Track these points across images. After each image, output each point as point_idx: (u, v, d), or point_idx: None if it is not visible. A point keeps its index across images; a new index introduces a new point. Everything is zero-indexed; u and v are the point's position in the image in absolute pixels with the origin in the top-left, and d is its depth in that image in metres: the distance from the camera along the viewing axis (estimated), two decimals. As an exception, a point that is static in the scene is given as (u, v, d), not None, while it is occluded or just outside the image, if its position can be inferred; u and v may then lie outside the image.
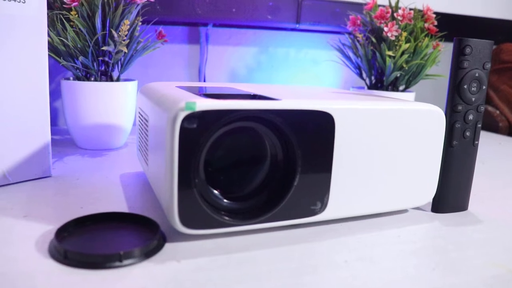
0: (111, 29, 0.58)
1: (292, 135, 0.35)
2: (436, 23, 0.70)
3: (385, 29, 0.66)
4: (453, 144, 0.43)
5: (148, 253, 0.32)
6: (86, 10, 0.56)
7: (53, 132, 0.76)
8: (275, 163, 0.37)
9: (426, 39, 0.68)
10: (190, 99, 0.33)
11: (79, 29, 0.56)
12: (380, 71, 0.72)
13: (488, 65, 0.42)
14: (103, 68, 0.63)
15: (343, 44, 0.75)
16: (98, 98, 0.60)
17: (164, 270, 0.30)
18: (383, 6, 0.72)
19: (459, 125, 0.42)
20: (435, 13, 0.70)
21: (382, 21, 0.67)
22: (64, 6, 0.54)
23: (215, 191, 0.36)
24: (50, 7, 0.57)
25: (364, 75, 0.76)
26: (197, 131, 0.32)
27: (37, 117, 0.47)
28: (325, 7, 0.81)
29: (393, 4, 0.71)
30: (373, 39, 0.70)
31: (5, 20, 0.42)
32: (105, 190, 0.46)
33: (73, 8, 0.55)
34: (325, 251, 0.34)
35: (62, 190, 0.46)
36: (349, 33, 0.74)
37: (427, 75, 0.73)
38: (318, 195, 0.37)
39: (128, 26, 0.58)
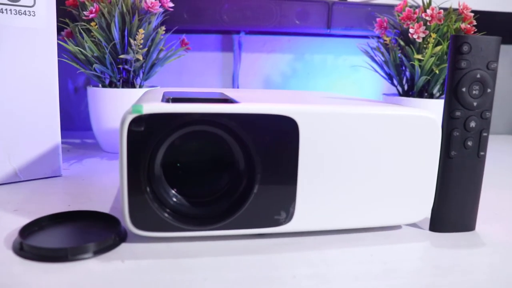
0: (129, 38, 0.62)
1: (249, 140, 0.34)
2: (474, 22, 0.63)
3: (411, 30, 0.61)
4: (451, 155, 0.37)
5: (98, 251, 0.33)
6: (105, 20, 0.60)
7: (85, 136, 0.82)
8: (237, 170, 0.36)
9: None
10: (145, 102, 0.33)
11: (98, 38, 0.60)
12: (411, 76, 0.67)
13: (494, 65, 0.37)
14: (126, 76, 0.67)
15: (373, 49, 0.71)
16: (118, 104, 0.64)
17: (104, 268, 0.31)
18: (416, 6, 0.66)
19: (457, 133, 0.37)
20: (473, 11, 0.63)
21: (409, 23, 0.62)
22: (84, 18, 0.59)
23: (178, 196, 0.35)
24: (75, 19, 0.62)
25: (395, 81, 0.70)
26: (145, 133, 0.32)
27: (47, 120, 0.51)
28: (357, 10, 0.77)
29: (426, 4, 0.65)
30: (401, 42, 0.65)
31: (17, 32, 0.47)
32: (101, 191, 0.48)
33: (94, 20, 0.59)
34: (277, 264, 0.32)
35: (62, 189, 0.49)
36: (378, 37, 0.70)
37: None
38: (282, 205, 0.35)
39: (143, 35, 0.61)
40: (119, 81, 0.66)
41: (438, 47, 0.62)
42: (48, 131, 0.51)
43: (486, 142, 0.38)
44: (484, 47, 0.36)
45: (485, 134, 0.38)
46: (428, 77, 0.63)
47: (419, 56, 0.62)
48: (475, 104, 0.37)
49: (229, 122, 0.33)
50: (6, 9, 0.45)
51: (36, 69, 0.49)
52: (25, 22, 0.47)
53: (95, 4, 0.59)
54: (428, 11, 0.61)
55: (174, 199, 0.35)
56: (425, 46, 0.62)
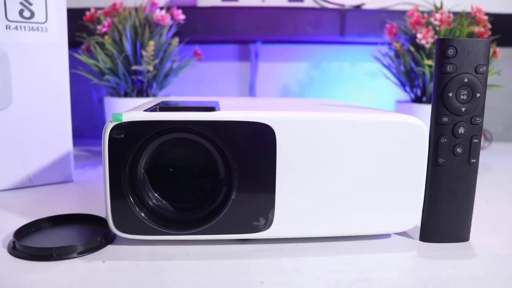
0: (142, 50, 0.65)
1: (225, 147, 0.34)
2: (489, 26, 0.60)
3: (419, 35, 0.59)
4: (439, 162, 0.36)
5: (83, 251, 0.34)
6: (118, 34, 0.63)
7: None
8: (218, 177, 0.36)
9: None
10: (127, 111, 0.35)
11: (111, 51, 0.63)
12: (423, 82, 0.65)
13: (483, 69, 0.35)
14: (140, 86, 0.70)
15: (384, 55, 0.70)
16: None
17: (84, 268, 0.32)
18: (428, 12, 0.65)
19: (445, 140, 0.36)
20: (487, 14, 0.61)
21: (418, 28, 0.60)
22: (97, 33, 0.62)
23: (162, 200, 0.37)
24: (92, 33, 0.66)
25: (408, 87, 0.68)
26: (125, 140, 0.34)
27: (60, 129, 0.54)
28: (371, 17, 0.76)
29: (437, 8, 0.64)
30: (412, 48, 0.63)
31: (31, 46, 0.50)
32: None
33: (107, 33, 0.63)
34: (249, 270, 0.32)
35: (71, 193, 0.52)
36: (390, 44, 0.68)
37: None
38: (261, 212, 0.36)
39: (153, 47, 0.63)
40: (133, 91, 0.69)
41: (450, 52, 0.60)
42: (60, 138, 0.54)
43: (478, 149, 0.36)
44: (472, 50, 0.35)
45: (475, 140, 0.36)
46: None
47: (429, 62, 0.60)
48: (463, 109, 0.36)
49: (205, 130, 0.34)
50: (21, 26, 0.49)
51: (49, 81, 0.52)
52: (38, 37, 0.51)
53: (108, 19, 0.62)
54: (437, 16, 0.59)
55: (157, 203, 0.36)
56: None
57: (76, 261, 0.33)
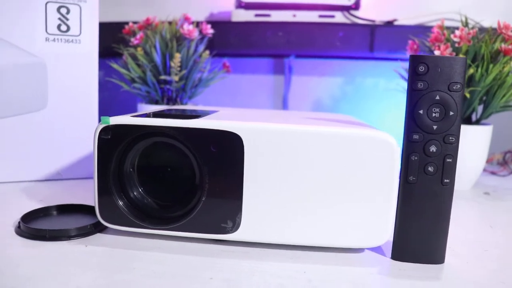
0: (170, 61, 0.70)
1: (196, 152, 0.37)
2: (517, 42, 0.57)
3: (436, 52, 0.57)
4: (409, 180, 0.36)
5: (73, 236, 0.39)
6: (150, 46, 0.69)
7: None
8: (194, 180, 0.39)
9: (497, 65, 0.56)
10: (118, 116, 0.39)
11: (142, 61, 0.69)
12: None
13: (457, 86, 0.34)
14: (170, 94, 0.75)
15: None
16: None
17: (67, 249, 0.37)
18: (456, 28, 0.62)
19: (416, 158, 0.36)
20: (515, 30, 0.57)
21: (438, 44, 0.59)
22: (130, 44, 0.69)
23: (147, 198, 0.40)
24: (128, 44, 0.73)
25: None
26: (111, 141, 0.38)
27: (87, 128, 0.61)
28: (402, 33, 0.75)
29: (462, 23, 0.61)
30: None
31: (65, 56, 0.58)
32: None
33: (139, 45, 0.69)
34: (206, 267, 0.35)
35: (90, 187, 0.58)
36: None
37: (507, 106, 0.59)
38: (229, 215, 0.38)
39: (179, 59, 0.68)
40: (162, 99, 0.75)
41: (471, 70, 0.57)
42: (87, 138, 0.61)
43: (452, 169, 0.35)
44: (444, 67, 0.34)
45: (449, 160, 0.35)
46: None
47: (449, 79, 0.58)
48: (435, 127, 0.35)
49: (178, 135, 0.37)
50: (58, 39, 0.57)
51: (80, 86, 0.59)
52: (72, 48, 0.58)
53: (140, 32, 0.69)
54: (457, 32, 0.57)
55: (140, 198, 0.40)
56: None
57: (64, 243, 0.38)
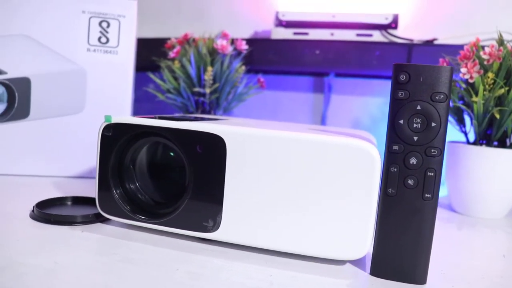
0: (204, 74, 0.74)
1: (182, 152, 0.39)
2: (555, 59, 0.52)
3: (463, 70, 0.54)
4: (388, 192, 0.35)
5: (74, 222, 0.43)
6: (186, 59, 0.74)
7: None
8: (184, 177, 0.41)
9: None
10: (121, 116, 0.43)
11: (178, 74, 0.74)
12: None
13: (440, 96, 0.33)
14: (205, 107, 0.79)
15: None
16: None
17: (66, 232, 0.41)
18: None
19: (395, 169, 0.34)
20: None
21: (466, 62, 0.55)
22: (168, 58, 0.74)
23: (144, 194, 0.43)
24: (166, 57, 0.78)
25: (464, 127, 0.62)
26: (112, 138, 0.42)
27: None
28: (441, 52, 0.72)
29: (498, 41, 0.57)
30: (462, 84, 0.58)
31: (104, 65, 0.64)
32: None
33: (176, 58, 0.74)
34: (179, 260, 0.36)
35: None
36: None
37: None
38: (210, 214, 0.39)
39: (212, 72, 0.72)
40: (197, 110, 0.79)
41: (502, 89, 0.53)
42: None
43: (434, 183, 0.33)
44: (427, 77, 0.33)
45: (431, 173, 0.33)
46: (479, 122, 0.54)
47: (477, 99, 0.54)
48: (415, 138, 0.34)
49: (168, 136, 0.40)
50: (96, 49, 0.63)
51: (115, 93, 0.65)
52: (110, 58, 0.64)
53: (178, 46, 0.74)
54: (487, 49, 0.54)
55: (136, 193, 0.43)
56: (488, 88, 0.55)
57: (66, 228, 0.42)
